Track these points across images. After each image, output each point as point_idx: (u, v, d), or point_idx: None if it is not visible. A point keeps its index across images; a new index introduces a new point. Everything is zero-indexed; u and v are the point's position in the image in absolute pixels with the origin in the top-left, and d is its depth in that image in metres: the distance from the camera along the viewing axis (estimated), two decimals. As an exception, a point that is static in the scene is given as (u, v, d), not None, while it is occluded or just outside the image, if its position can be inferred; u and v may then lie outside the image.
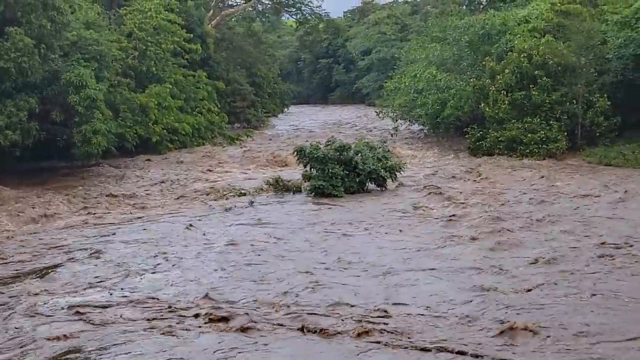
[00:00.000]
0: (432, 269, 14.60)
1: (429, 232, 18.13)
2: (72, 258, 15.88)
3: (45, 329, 11.29)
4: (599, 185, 24.09)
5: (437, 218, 19.83)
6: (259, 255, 16.02)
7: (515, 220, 18.90)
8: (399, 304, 12.32)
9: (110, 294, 13.05)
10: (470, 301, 12.37)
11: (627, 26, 32.98)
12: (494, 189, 24.02)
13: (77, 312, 11.97)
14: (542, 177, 26.53)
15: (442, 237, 17.40)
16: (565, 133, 32.28)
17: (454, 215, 20.12)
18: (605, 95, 32.28)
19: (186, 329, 11.25)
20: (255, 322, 11.36)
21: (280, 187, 24.54)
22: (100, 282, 13.94)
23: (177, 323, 11.49)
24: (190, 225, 19.28)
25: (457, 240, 17.06)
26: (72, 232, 19.02)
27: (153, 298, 12.83)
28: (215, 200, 23.74)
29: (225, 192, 24.88)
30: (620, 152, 30.00)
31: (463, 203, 21.62)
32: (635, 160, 28.49)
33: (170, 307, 12.17)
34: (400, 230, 18.45)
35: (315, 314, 11.77)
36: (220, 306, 12.13)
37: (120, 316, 11.85)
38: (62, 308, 12.22)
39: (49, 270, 14.75)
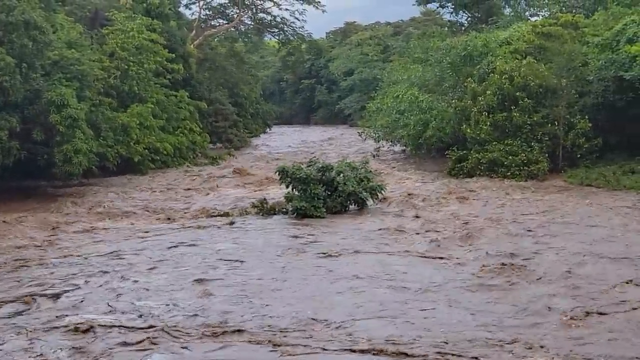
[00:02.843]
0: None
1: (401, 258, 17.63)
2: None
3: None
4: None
5: (410, 244, 19.21)
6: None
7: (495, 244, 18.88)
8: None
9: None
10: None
11: (608, 48, 33.20)
12: (472, 213, 23.64)
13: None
14: (514, 199, 26.41)
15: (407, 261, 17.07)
16: (547, 154, 32.36)
17: (427, 231, 20.49)
18: (586, 117, 32.28)
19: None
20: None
21: (264, 209, 24.28)
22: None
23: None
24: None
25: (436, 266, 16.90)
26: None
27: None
28: (195, 220, 23.52)
29: (207, 213, 24.72)
30: (601, 173, 30.01)
31: (435, 225, 21.54)
32: (616, 182, 28.56)
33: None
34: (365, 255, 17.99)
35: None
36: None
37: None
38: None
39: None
